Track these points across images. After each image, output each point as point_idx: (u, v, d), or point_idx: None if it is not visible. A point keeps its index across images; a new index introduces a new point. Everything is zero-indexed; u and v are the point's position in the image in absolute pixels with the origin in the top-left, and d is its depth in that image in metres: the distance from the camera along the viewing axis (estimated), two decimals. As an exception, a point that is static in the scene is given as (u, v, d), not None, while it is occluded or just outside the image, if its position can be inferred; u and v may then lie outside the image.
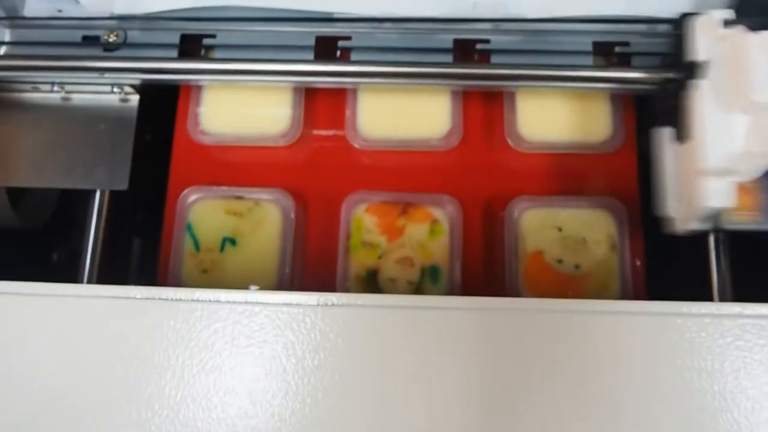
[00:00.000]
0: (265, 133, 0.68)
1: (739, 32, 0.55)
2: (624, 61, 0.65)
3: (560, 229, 0.65)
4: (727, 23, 0.56)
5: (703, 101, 0.55)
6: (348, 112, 0.68)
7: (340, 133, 0.69)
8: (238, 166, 0.69)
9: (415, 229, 0.66)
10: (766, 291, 0.59)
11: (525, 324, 0.50)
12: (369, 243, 0.66)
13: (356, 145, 0.68)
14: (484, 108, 0.69)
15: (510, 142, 0.67)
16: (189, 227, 0.66)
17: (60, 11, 0.69)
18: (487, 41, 0.66)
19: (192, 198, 0.67)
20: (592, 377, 0.49)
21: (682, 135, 0.56)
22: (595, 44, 0.66)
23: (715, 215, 0.56)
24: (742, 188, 0.55)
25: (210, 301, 0.50)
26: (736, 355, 0.48)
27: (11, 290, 0.52)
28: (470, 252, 0.65)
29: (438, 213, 0.66)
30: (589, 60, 0.65)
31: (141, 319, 0.50)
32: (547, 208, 0.66)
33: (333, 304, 0.49)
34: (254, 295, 0.51)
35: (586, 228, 0.65)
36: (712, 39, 0.56)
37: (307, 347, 0.49)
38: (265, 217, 0.67)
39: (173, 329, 0.49)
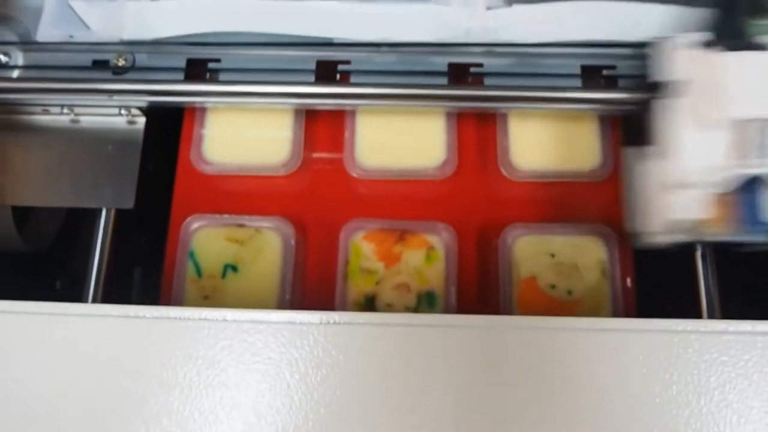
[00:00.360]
0: (265, 162, 0.70)
1: (715, 53, 0.57)
2: (611, 83, 0.67)
3: (553, 256, 0.67)
4: (704, 45, 0.58)
5: (680, 118, 0.57)
6: (346, 143, 0.70)
7: (338, 162, 0.70)
8: (239, 195, 0.71)
9: (412, 256, 0.68)
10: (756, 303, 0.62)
11: (518, 341, 0.52)
12: (367, 269, 0.67)
13: (354, 175, 0.70)
14: (478, 138, 0.71)
15: (503, 172, 0.69)
16: (191, 254, 0.68)
17: (71, 36, 0.71)
18: (480, 65, 0.68)
19: (194, 226, 0.69)
20: (581, 392, 0.50)
21: (658, 151, 0.59)
22: (583, 67, 0.68)
23: (691, 227, 0.57)
24: (718, 201, 0.57)
25: (216, 320, 0.51)
26: (721, 370, 0.49)
27: (22, 310, 0.54)
28: (465, 278, 0.67)
29: (434, 240, 0.68)
30: (577, 82, 0.67)
31: (150, 337, 0.52)
32: (539, 235, 0.68)
33: (335, 323, 0.51)
34: (259, 314, 0.52)
35: (577, 254, 0.67)
36: (689, 59, 0.58)
37: (310, 364, 0.50)
38: (265, 245, 0.68)
39: (181, 347, 0.51)
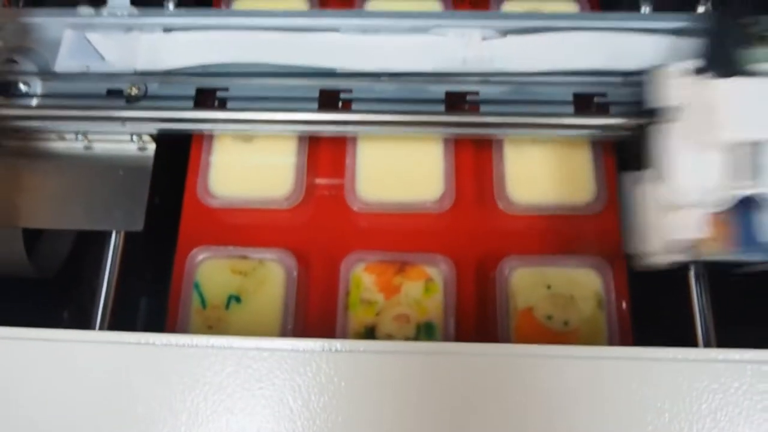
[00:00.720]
0: (269, 196, 0.72)
1: (707, 79, 0.60)
2: (603, 110, 0.69)
3: (549, 287, 0.68)
4: (696, 72, 0.61)
5: (675, 142, 0.60)
6: (347, 175, 0.72)
7: (340, 196, 0.72)
8: (243, 227, 0.72)
9: (411, 287, 0.69)
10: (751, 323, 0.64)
11: (515, 368, 0.53)
12: (367, 300, 0.69)
13: (355, 208, 0.71)
14: (475, 172, 0.73)
15: (500, 205, 0.71)
16: (196, 285, 0.69)
17: (87, 67, 0.73)
18: (476, 93, 0.70)
19: (200, 257, 0.70)
20: (576, 418, 0.52)
21: (655, 175, 0.61)
22: (576, 95, 0.70)
23: (689, 247, 0.59)
24: (715, 221, 0.59)
25: (223, 347, 0.53)
26: (712, 397, 0.51)
27: (34, 336, 0.55)
28: (463, 309, 0.68)
29: (432, 272, 0.69)
30: (570, 109, 0.69)
31: (158, 363, 0.53)
32: (536, 267, 0.69)
33: (337, 350, 0.53)
34: (263, 341, 0.54)
35: (573, 286, 0.68)
36: (682, 86, 0.61)
37: (313, 390, 0.51)
38: (268, 276, 0.70)
39: (188, 373, 0.52)
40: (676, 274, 0.67)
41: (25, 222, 0.72)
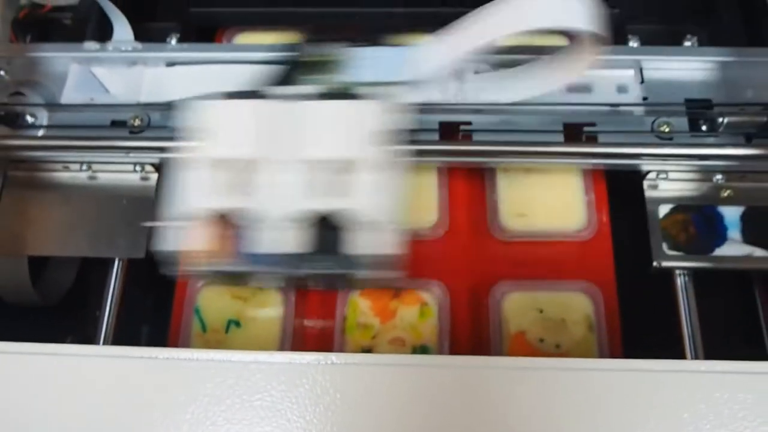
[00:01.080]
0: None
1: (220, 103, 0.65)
2: (591, 139, 0.72)
3: (541, 311, 0.70)
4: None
5: (186, 160, 0.64)
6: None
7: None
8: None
9: (406, 312, 0.70)
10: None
11: (508, 380, 0.55)
12: (363, 324, 0.70)
13: (351, 235, 0.74)
14: (468, 200, 0.74)
15: (492, 232, 0.73)
16: (197, 310, 0.71)
17: (92, 99, 0.76)
18: (468, 123, 0.73)
19: (200, 284, 0.72)
20: (566, 428, 0.53)
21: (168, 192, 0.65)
22: (565, 124, 0.72)
23: (192, 258, 0.62)
24: (215, 235, 0.61)
25: (222, 360, 0.55)
26: (695, 407, 0.53)
27: (41, 351, 0.58)
28: (457, 332, 0.69)
29: (427, 297, 0.71)
30: (560, 138, 0.72)
31: (161, 376, 0.55)
32: (528, 292, 0.71)
33: (333, 363, 0.54)
34: (261, 355, 0.56)
35: (565, 310, 0.70)
36: (205, 110, 0.66)
37: (309, 402, 0.53)
38: (267, 301, 0.71)
39: (189, 386, 0.54)
40: (664, 291, 0.70)
41: (31, 250, 0.73)
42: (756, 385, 0.54)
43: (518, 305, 0.70)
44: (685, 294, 0.69)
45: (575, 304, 0.70)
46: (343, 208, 0.61)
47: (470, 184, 0.75)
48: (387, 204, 0.62)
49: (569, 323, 0.69)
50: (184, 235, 0.62)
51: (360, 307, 0.71)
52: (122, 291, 0.72)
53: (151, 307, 0.81)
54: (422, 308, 0.71)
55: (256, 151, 0.63)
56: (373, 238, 0.61)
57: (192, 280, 0.71)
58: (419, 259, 0.72)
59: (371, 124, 0.64)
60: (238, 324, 0.71)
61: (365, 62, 0.70)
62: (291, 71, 0.69)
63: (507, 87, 0.73)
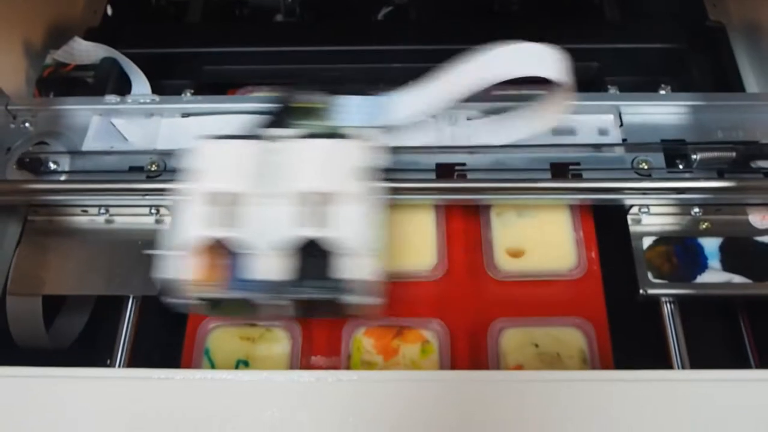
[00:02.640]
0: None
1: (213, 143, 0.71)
2: (576, 176, 0.76)
3: (537, 346, 0.73)
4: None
5: (183, 195, 0.68)
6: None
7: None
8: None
9: (408, 349, 0.73)
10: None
11: (506, 394, 0.58)
12: (367, 362, 0.73)
13: (355, 279, 0.77)
14: (465, 243, 0.78)
15: (488, 273, 0.76)
16: (207, 351, 0.74)
17: (112, 147, 0.81)
18: (463, 164, 0.77)
19: (210, 326, 0.75)
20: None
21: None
22: (552, 164, 0.77)
23: (183, 286, 0.65)
24: (208, 264, 0.65)
25: (233, 380, 0.58)
26: (679, 414, 0.56)
27: (59, 374, 0.61)
28: (458, 368, 0.72)
29: (428, 335, 0.74)
30: (548, 176, 0.76)
31: (179, 396, 0.58)
32: (523, 328, 0.74)
33: (339, 381, 0.58)
34: (273, 374, 0.60)
35: (559, 344, 0.73)
36: (203, 149, 0.71)
37: (312, 417, 0.56)
38: (274, 342, 0.74)
39: (206, 405, 0.57)
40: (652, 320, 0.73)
41: (49, 290, 0.77)
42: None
43: (515, 341, 0.73)
44: (672, 321, 0.73)
45: (569, 339, 0.73)
46: (326, 236, 0.65)
47: (466, 227, 0.79)
48: (367, 233, 0.66)
49: (564, 357, 0.72)
50: (181, 264, 0.65)
51: (364, 345, 0.73)
52: (135, 329, 0.76)
53: (163, 346, 0.82)
54: (424, 345, 0.73)
55: (245, 184, 0.68)
56: (355, 264, 0.65)
57: (202, 323, 0.74)
58: (420, 300, 0.76)
59: (352, 161, 0.69)
60: (246, 363, 0.73)
61: (348, 109, 0.76)
62: (281, 115, 0.75)
63: (497, 130, 0.78)
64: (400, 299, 0.76)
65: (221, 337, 0.75)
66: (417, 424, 0.57)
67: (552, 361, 0.72)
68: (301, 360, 0.73)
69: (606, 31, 0.99)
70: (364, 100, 0.78)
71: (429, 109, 0.76)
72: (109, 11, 1.01)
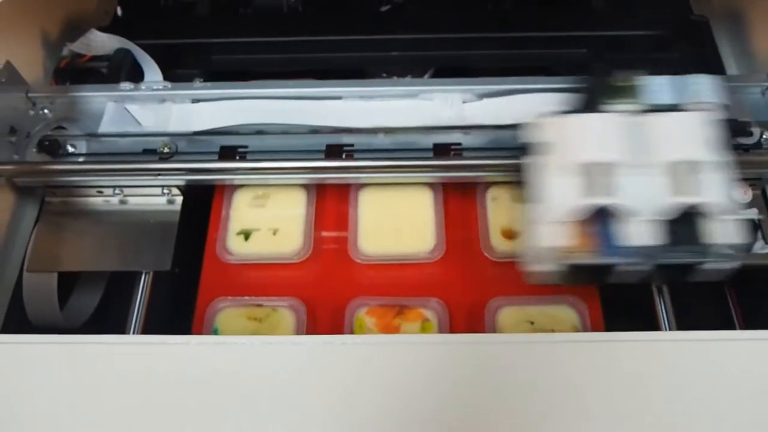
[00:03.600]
0: (280, 252, 0.80)
1: (569, 118, 0.72)
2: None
3: (532, 323, 0.76)
4: (562, 114, 0.73)
5: (545, 169, 0.71)
6: (350, 232, 0.81)
7: (343, 249, 0.80)
8: (258, 280, 0.80)
9: (409, 327, 0.76)
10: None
11: (503, 356, 0.61)
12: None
13: (357, 260, 0.80)
14: (463, 225, 0.81)
15: (485, 253, 0.79)
16: (215, 331, 0.76)
17: (126, 131, 0.84)
18: (459, 144, 0.81)
19: (218, 306, 0.78)
20: (560, 396, 0.59)
21: (531, 196, 0.71)
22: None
23: (558, 254, 0.68)
24: (579, 231, 0.68)
25: (246, 344, 0.62)
26: (670, 373, 0.59)
27: (77, 341, 0.64)
28: (457, 344, 0.75)
29: (428, 313, 0.77)
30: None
31: (194, 360, 0.61)
32: (519, 306, 0.77)
33: (343, 343, 0.62)
34: (279, 338, 0.64)
35: (554, 322, 0.76)
36: (552, 126, 0.72)
37: (320, 377, 0.60)
38: (281, 321, 0.77)
39: (221, 368, 0.61)
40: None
41: (65, 266, 0.80)
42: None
43: (511, 318, 0.76)
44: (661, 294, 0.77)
45: (563, 316, 0.76)
46: (699, 202, 0.68)
47: (464, 210, 0.83)
48: (730, 198, 0.69)
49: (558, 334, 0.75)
50: (554, 233, 0.68)
51: (366, 324, 0.76)
52: (148, 306, 0.79)
53: (172, 328, 0.84)
54: (424, 324, 0.76)
55: (617, 155, 0.70)
56: (724, 229, 0.68)
57: (211, 304, 0.77)
58: (419, 280, 0.79)
59: (704, 132, 0.71)
60: (254, 336, 0.76)
61: (656, 88, 0.77)
62: (597, 94, 0.75)
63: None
64: (400, 279, 0.79)
65: (229, 317, 0.78)
66: (419, 384, 0.59)
67: (547, 337, 0.75)
68: (306, 339, 0.76)
69: (594, 20, 1.03)
70: (670, 80, 0.78)
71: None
72: (119, 12, 1.05)
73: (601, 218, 0.69)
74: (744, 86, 0.85)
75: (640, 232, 0.68)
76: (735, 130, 0.78)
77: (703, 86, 0.76)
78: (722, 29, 1.00)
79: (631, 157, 0.69)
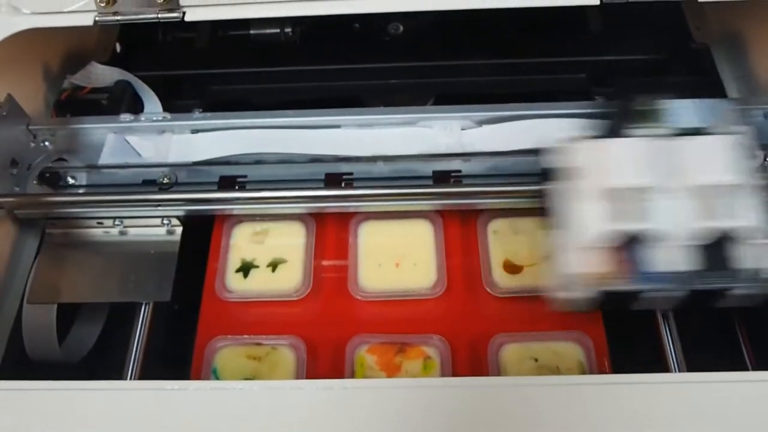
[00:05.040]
0: (280, 290, 0.79)
1: (597, 143, 0.71)
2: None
3: (536, 360, 0.74)
4: (590, 139, 0.72)
5: (574, 194, 0.70)
6: (350, 269, 0.80)
7: (343, 286, 0.79)
8: (257, 318, 0.79)
9: (411, 365, 0.75)
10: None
11: (506, 399, 0.60)
12: (371, 378, 0.74)
13: (357, 297, 0.79)
14: (463, 261, 0.80)
15: (487, 289, 0.78)
16: (214, 371, 0.75)
17: (126, 162, 0.84)
18: (458, 171, 0.81)
19: (217, 346, 0.77)
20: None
21: (559, 223, 0.70)
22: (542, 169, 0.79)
23: (588, 281, 0.67)
24: (608, 258, 0.67)
25: (244, 390, 0.61)
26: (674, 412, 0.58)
27: (74, 387, 0.63)
28: (460, 383, 0.74)
29: (430, 351, 0.75)
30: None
31: (192, 407, 0.60)
32: (522, 343, 0.75)
33: (344, 388, 0.61)
34: (278, 383, 0.64)
35: (558, 358, 0.74)
36: (579, 151, 0.71)
37: (321, 424, 0.59)
38: (280, 360, 0.76)
39: (219, 414, 0.60)
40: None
41: (65, 298, 0.80)
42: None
43: (514, 355, 0.75)
44: (667, 327, 0.75)
45: (567, 353, 0.75)
46: (732, 227, 0.67)
47: (465, 247, 0.81)
48: (762, 222, 0.67)
49: (563, 370, 0.74)
50: (584, 259, 0.67)
51: (367, 362, 0.75)
52: (147, 340, 0.78)
53: (172, 367, 0.84)
54: (426, 361, 0.75)
55: (646, 180, 0.69)
56: (758, 253, 0.67)
57: (210, 343, 0.76)
58: (421, 317, 0.78)
59: (731, 155, 0.70)
60: (253, 380, 0.75)
61: (679, 111, 0.77)
62: (624, 118, 0.74)
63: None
64: (400, 316, 0.78)
65: (228, 356, 0.77)
66: (422, 429, 0.58)
67: (552, 374, 0.73)
68: (307, 377, 0.74)
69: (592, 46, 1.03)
70: (693, 103, 0.80)
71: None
72: (118, 48, 1.05)
73: (632, 244, 0.67)
74: (747, 109, 0.84)
75: (671, 258, 0.67)
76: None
77: (726, 109, 0.77)
78: (722, 54, 0.99)
79: (661, 182, 0.68)
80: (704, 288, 0.67)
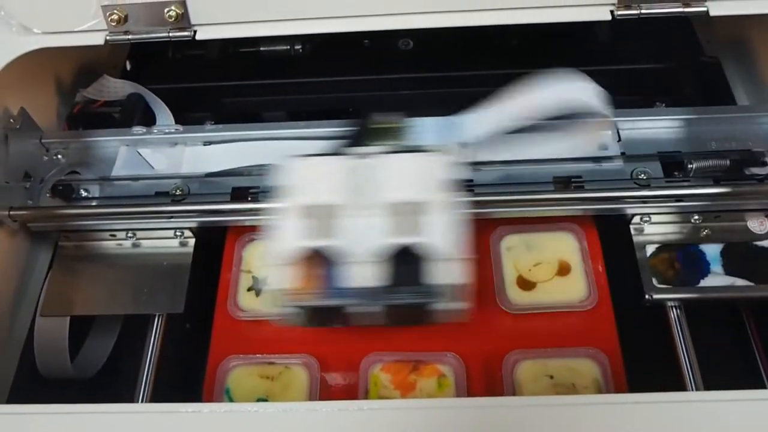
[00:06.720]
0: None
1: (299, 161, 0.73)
2: (579, 188, 0.80)
3: (552, 377, 0.74)
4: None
5: (278, 211, 0.71)
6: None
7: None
8: (270, 336, 0.78)
9: (425, 384, 0.74)
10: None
11: (523, 420, 0.58)
12: (385, 397, 0.74)
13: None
14: (477, 278, 0.77)
15: (501, 306, 0.78)
16: (227, 391, 0.75)
17: (139, 174, 0.85)
18: (470, 180, 0.81)
19: (230, 365, 0.76)
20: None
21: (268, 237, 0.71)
22: (555, 178, 0.81)
23: (286, 296, 0.68)
24: (305, 274, 0.68)
25: (258, 413, 0.60)
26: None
27: (85, 411, 0.62)
28: (475, 401, 0.73)
29: (444, 369, 0.75)
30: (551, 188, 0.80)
31: (213, 429, 0.60)
32: (538, 360, 0.75)
33: (359, 409, 0.59)
34: (292, 405, 0.63)
35: (574, 375, 0.74)
36: (290, 169, 0.73)
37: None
38: (293, 379, 0.75)
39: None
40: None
41: (78, 311, 0.80)
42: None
43: (529, 373, 0.74)
44: (680, 329, 0.75)
45: (583, 369, 0.74)
46: (418, 242, 0.67)
47: (478, 263, 0.79)
48: (455, 239, 0.68)
49: (579, 387, 0.73)
50: (284, 275, 0.68)
51: (381, 380, 0.74)
52: (160, 354, 0.78)
53: (184, 386, 0.84)
54: (440, 380, 0.74)
55: (339, 197, 0.70)
56: (446, 270, 0.67)
57: (222, 362, 0.76)
58: (435, 334, 0.76)
59: (437, 173, 0.71)
60: (266, 402, 0.74)
61: (422, 129, 0.80)
62: (361, 136, 0.77)
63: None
64: (414, 334, 0.77)
65: (241, 376, 0.76)
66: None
67: (567, 392, 0.73)
68: (320, 397, 0.74)
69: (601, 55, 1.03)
70: (437, 121, 0.81)
71: (498, 128, 0.80)
72: (128, 67, 1.05)
73: (325, 260, 0.68)
74: (756, 116, 0.84)
75: (360, 274, 0.67)
76: (748, 160, 0.79)
77: (466, 126, 0.79)
78: (731, 62, 0.99)
79: (356, 199, 0.70)
80: (396, 303, 0.67)
